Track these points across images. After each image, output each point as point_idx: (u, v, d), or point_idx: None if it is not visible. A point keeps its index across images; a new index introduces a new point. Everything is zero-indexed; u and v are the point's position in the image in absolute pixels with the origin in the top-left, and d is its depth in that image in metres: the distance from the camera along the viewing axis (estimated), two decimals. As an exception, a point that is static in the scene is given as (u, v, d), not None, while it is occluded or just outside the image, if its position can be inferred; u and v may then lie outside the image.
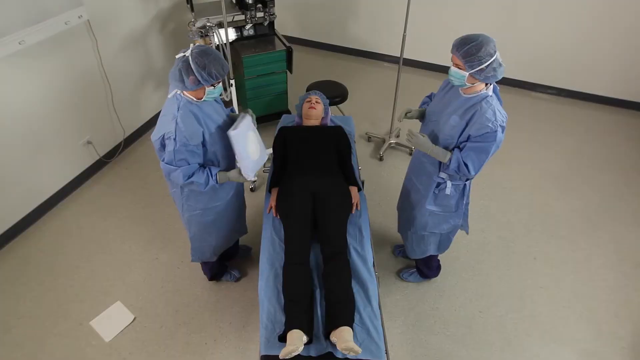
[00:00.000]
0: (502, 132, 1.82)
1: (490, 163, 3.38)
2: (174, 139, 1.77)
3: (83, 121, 3.10)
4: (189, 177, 1.85)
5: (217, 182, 1.93)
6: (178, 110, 1.79)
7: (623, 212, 3.14)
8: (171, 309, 2.49)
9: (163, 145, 1.83)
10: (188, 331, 2.39)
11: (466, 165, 1.88)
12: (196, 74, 1.73)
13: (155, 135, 1.85)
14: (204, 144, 1.88)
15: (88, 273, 2.66)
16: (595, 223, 3.06)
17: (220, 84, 1.88)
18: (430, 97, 2.23)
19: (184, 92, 1.82)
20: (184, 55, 1.74)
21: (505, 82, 4.39)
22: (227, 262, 2.64)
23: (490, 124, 1.78)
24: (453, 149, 1.94)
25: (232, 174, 1.96)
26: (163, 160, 1.84)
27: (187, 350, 2.31)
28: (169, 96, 1.86)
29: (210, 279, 2.59)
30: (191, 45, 1.79)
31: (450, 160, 1.92)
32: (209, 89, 1.82)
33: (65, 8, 2.60)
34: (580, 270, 2.75)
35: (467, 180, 2.06)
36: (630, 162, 3.58)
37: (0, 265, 2.69)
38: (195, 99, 1.84)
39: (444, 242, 2.36)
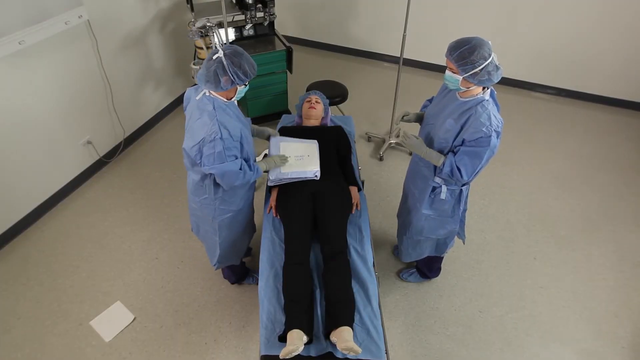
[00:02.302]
0: (497, 137, 1.78)
1: (490, 163, 3.37)
2: (220, 138, 1.75)
3: (83, 121, 3.10)
4: (241, 168, 1.87)
5: (257, 171, 2.00)
6: (214, 109, 1.79)
7: (623, 212, 3.14)
8: (171, 309, 2.49)
9: (201, 152, 1.79)
10: (188, 331, 2.39)
11: (459, 169, 1.85)
12: (231, 74, 1.74)
13: (191, 141, 1.80)
14: (241, 141, 1.89)
15: (88, 273, 2.66)
16: (595, 223, 3.06)
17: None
18: (430, 100, 2.21)
19: (214, 92, 1.82)
20: (218, 56, 1.74)
21: (505, 82, 4.40)
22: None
23: (484, 129, 1.75)
24: (447, 153, 1.92)
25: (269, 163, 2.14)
26: (207, 165, 1.79)
27: (187, 350, 2.31)
28: (197, 98, 1.83)
29: (234, 282, 2.59)
30: (216, 47, 1.78)
31: (443, 164, 1.90)
32: (240, 88, 1.85)
33: (65, 8, 2.60)
34: (580, 270, 2.75)
35: (463, 185, 2.04)
36: (630, 162, 3.58)
37: (0, 265, 2.69)
38: (225, 99, 1.84)
39: (441, 246, 2.35)
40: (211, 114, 1.77)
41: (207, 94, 1.82)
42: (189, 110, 1.90)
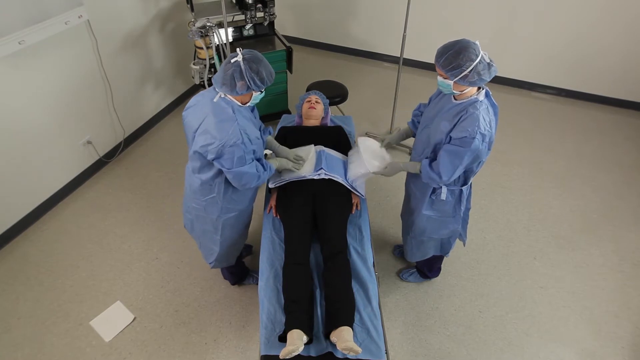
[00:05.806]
0: (483, 141, 1.77)
1: (490, 163, 3.36)
2: (242, 143, 1.76)
3: (83, 121, 3.10)
4: (257, 170, 1.88)
5: (270, 169, 2.02)
6: (234, 113, 1.78)
7: (623, 212, 3.14)
8: (171, 309, 2.49)
9: (221, 155, 1.77)
10: (188, 331, 2.39)
11: (439, 172, 1.87)
12: (248, 80, 1.73)
13: (206, 142, 1.75)
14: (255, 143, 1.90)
15: (88, 273, 2.66)
16: (595, 223, 3.06)
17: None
18: (419, 109, 2.25)
19: (229, 96, 1.81)
20: (236, 60, 1.73)
21: (505, 82, 4.40)
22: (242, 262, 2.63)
23: (470, 129, 1.75)
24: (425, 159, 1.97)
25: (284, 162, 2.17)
26: (226, 167, 1.78)
27: (187, 350, 2.31)
28: (214, 100, 1.80)
29: (234, 283, 2.58)
30: (238, 50, 1.77)
31: (421, 170, 1.96)
32: (256, 94, 1.83)
33: (65, 8, 2.60)
34: (580, 270, 2.75)
35: (463, 185, 2.04)
36: (630, 162, 3.58)
37: (0, 265, 2.69)
38: (240, 104, 1.84)
39: (445, 246, 2.35)
40: (232, 118, 1.76)
41: (223, 96, 1.81)
42: (199, 112, 1.83)
